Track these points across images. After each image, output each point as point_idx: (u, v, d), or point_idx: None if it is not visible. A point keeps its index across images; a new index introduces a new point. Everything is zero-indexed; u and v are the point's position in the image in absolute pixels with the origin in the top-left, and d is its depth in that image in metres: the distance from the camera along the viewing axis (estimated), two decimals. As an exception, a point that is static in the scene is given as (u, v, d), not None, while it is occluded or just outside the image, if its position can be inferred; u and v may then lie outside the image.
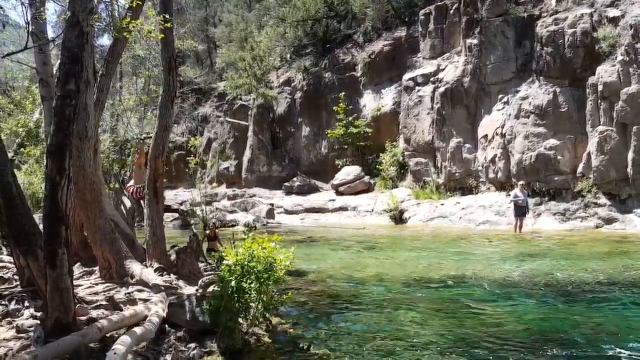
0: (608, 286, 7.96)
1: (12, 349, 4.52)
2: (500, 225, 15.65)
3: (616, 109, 14.37)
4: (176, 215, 18.89)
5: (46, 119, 8.05)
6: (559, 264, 9.80)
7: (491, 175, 17.41)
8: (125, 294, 6.53)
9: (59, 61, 5.23)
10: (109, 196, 10.56)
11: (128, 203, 12.08)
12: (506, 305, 7.05)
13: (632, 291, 7.64)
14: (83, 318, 5.23)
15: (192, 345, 5.06)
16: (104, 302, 5.95)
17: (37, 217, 6.85)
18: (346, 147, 22.63)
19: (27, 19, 6.72)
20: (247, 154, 25.60)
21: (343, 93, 22.37)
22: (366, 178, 21.62)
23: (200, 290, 6.55)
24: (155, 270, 7.33)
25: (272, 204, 20.91)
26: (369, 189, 21.36)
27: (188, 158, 18.03)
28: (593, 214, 14.88)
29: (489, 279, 8.60)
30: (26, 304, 5.81)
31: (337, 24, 25.70)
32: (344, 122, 22.14)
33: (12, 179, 5.63)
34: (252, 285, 5.26)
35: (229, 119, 26.82)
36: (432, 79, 19.34)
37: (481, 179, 17.94)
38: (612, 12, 15.31)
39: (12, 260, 6.80)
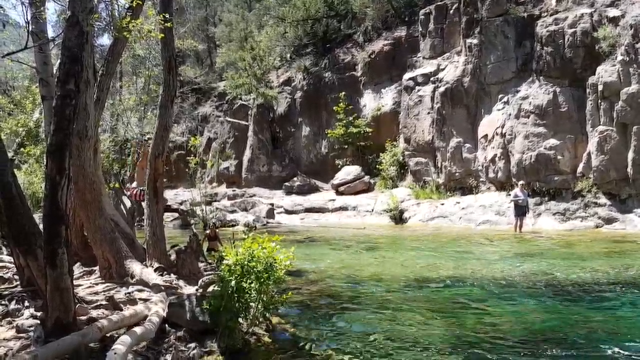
0: (608, 286, 7.96)
1: (12, 349, 4.51)
2: (501, 225, 15.65)
3: (616, 109, 14.37)
4: (176, 215, 18.89)
5: (46, 118, 8.04)
6: (559, 263, 9.80)
7: (491, 175, 17.41)
8: (125, 293, 6.53)
9: (59, 61, 5.23)
10: (109, 196, 10.55)
11: (128, 203, 12.09)
12: (506, 305, 7.05)
13: (632, 291, 7.64)
14: (83, 318, 5.23)
15: (192, 345, 5.06)
16: (104, 302, 5.95)
17: (37, 217, 6.85)
18: (346, 147, 22.63)
19: (27, 19, 6.72)
20: (247, 153, 25.60)
21: (343, 93, 22.38)
22: (366, 178, 21.62)
23: (200, 290, 6.55)
24: (155, 270, 7.33)
25: (272, 204, 20.91)
26: (369, 188, 21.36)
27: (188, 158, 18.06)
28: (593, 213, 14.89)
29: (488, 279, 8.60)
30: (26, 303, 5.81)
31: (337, 23, 25.71)
32: (344, 122, 22.14)
33: (12, 178, 5.63)
34: (252, 285, 5.26)
35: (229, 119, 26.82)
36: (432, 78, 19.35)
37: (481, 179, 17.94)
38: (612, 12, 15.31)
39: (12, 260, 6.80)
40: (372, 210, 19.12)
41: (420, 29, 20.60)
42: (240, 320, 5.33)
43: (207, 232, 11.04)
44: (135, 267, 7.20)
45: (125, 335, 4.64)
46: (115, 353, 4.15)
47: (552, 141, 15.88)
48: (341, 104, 22.02)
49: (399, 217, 17.96)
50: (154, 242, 7.79)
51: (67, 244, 4.73)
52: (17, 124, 14.35)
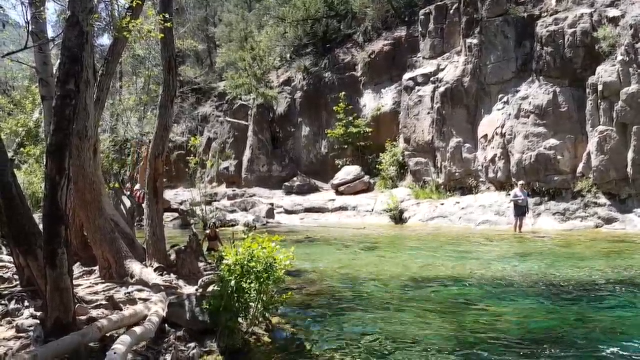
0: (607, 286, 7.97)
1: (12, 349, 4.52)
2: (500, 224, 15.65)
3: (616, 109, 14.38)
4: (176, 214, 18.90)
5: (46, 118, 8.05)
6: (559, 263, 9.81)
7: (491, 175, 17.42)
8: (125, 293, 6.54)
9: (58, 61, 5.23)
10: (109, 196, 10.56)
11: (128, 203, 12.09)
12: (506, 305, 7.06)
13: (632, 291, 7.64)
14: (83, 317, 5.23)
15: (192, 344, 5.06)
16: (103, 302, 5.95)
17: (37, 216, 6.86)
18: (346, 146, 22.63)
19: (27, 19, 6.74)
20: (247, 153, 25.60)
21: (343, 93, 22.36)
22: (366, 178, 21.62)
23: (200, 290, 6.55)
24: (155, 270, 7.34)
25: (272, 204, 20.91)
26: (368, 188, 21.36)
27: (188, 158, 18.08)
28: (593, 213, 14.89)
29: (488, 279, 8.61)
30: (26, 303, 5.82)
31: (337, 23, 25.70)
32: (344, 121, 22.14)
33: (12, 178, 5.63)
34: (252, 285, 5.27)
35: (229, 119, 26.83)
36: (432, 78, 19.35)
37: (481, 179, 17.95)
38: (612, 12, 15.31)
39: (12, 260, 6.81)
40: (372, 210, 19.13)
41: (420, 29, 20.60)
42: (240, 320, 5.34)
43: (207, 231, 11.05)
44: (134, 267, 7.20)
45: (125, 335, 4.64)
46: (115, 353, 4.15)
47: (552, 141, 15.88)
48: (341, 104, 22.02)
49: (398, 217, 17.97)
50: (153, 242, 7.80)
51: (67, 244, 4.73)
52: (16, 124, 14.35)
